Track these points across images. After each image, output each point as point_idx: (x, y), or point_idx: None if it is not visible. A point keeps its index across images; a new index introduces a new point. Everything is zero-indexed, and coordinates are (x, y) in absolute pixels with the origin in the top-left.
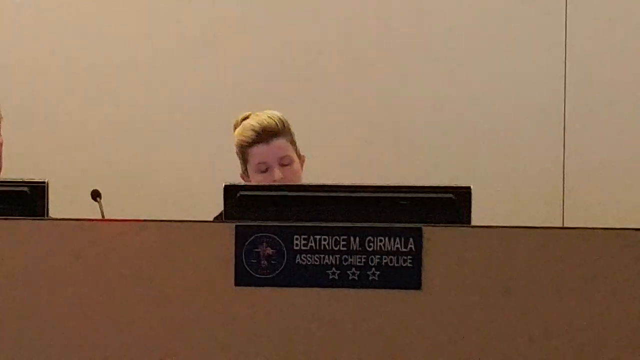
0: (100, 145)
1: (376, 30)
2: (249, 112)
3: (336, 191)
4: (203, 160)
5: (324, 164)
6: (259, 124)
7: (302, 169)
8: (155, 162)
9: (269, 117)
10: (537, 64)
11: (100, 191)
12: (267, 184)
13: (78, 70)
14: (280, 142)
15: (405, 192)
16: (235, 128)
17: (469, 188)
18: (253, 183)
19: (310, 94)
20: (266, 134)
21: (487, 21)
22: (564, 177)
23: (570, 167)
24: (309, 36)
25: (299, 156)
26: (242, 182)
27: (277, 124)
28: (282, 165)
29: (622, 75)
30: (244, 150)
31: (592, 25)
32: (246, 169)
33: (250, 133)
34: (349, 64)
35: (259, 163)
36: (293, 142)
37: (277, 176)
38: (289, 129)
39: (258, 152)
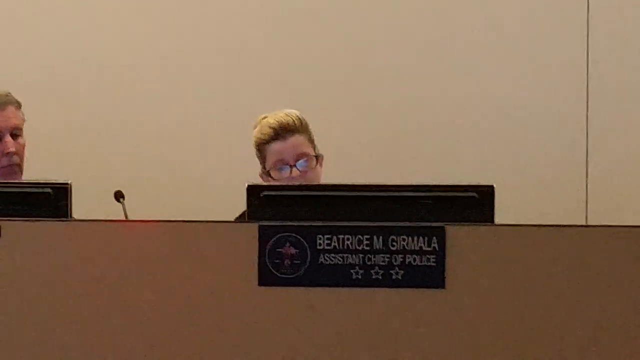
0: (122, 146)
1: (398, 32)
2: (268, 113)
3: (359, 190)
4: (225, 160)
5: (346, 163)
6: (276, 121)
7: (321, 167)
8: (177, 163)
9: (286, 114)
10: (559, 60)
11: (124, 192)
12: (289, 183)
13: (99, 72)
14: (297, 139)
15: (428, 191)
16: (255, 129)
17: (492, 187)
18: (272, 182)
19: (330, 93)
20: (283, 131)
21: (509, 21)
22: (587, 175)
23: (593, 164)
24: (327, 35)
25: (318, 155)
26: (262, 182)
27: (294, 121)
28: (300, 162)
29: None
30: (261, 148)
31: (615, 20)
32: (265, 168)
33: (267, 130)
34: (368, 63)
35: (277, 160)
36: (311, 140)
37: (295, 173)
38: (307, 127)
39: (275, 149)
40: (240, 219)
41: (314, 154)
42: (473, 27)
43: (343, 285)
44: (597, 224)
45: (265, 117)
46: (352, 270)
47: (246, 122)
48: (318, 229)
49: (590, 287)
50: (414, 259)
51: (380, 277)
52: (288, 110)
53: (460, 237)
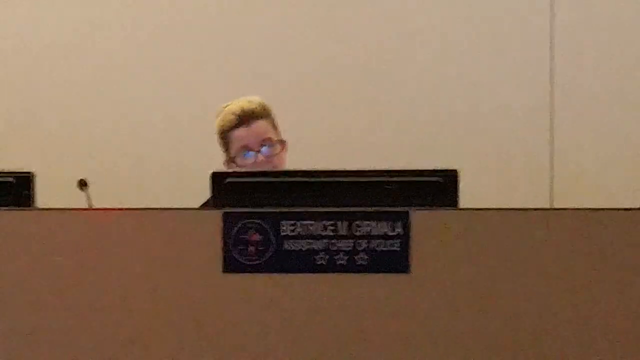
0: (86, 134)
1: (375, 24)
2: (230, 102)
3: (323, 176)
4: (189, 147)
5: (311, 149)
6: (239, 108)
7: (286, 153)
8: (141, 151)
9: (248, 101)
10: (522, 44)
11: (87, 180)
12: (253, 170)
13: (64, 61)
14: (261, 124)
15: (393, 175)
16: (217, 117)
17: (455, 171)
18: (237, 169)
19: (297, 81)
20: (247, 117)
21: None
22: (552, 158)
23: (558, 147)
24: (294, 26)
25: (282, 140)
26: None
27: (257, 107)
28: (264, 147)
29: (605, 51)
30: (225, 136)
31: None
32: (229, 156)
33: (230, 117)
34: (337, 51)
35: (241, 146)
36: (275, 126)
37: (259, 158)
38: (270, 112)
39: (239, 136)
40: (205, 206)
41: (278, 139)
42: (443, 19)
43: (308, 271)
44: (561, 206)
45: (227, 106)
46: (316, 256)
47: (211, 110)
48: (282, 215)
49: (554, 269)
50: (379, 244)
51: (344, 263)
52: (250, 97)
53: (424, 221)
